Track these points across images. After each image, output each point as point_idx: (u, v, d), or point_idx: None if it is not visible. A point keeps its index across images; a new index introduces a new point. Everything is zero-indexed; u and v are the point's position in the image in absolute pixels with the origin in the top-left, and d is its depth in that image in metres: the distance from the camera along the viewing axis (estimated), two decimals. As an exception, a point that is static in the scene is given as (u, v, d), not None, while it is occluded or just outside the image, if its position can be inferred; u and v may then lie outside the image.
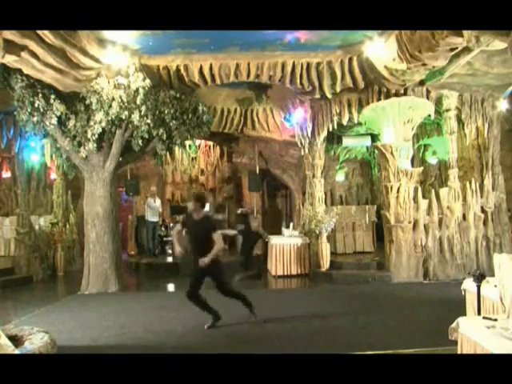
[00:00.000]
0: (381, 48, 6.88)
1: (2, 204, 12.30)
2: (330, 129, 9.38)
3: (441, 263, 8.39)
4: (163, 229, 12.30)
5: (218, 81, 8.02)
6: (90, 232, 8.00)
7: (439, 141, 10.44)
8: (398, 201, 8.25)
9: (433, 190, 8.99)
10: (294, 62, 7.74)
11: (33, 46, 5.48)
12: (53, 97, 7.21)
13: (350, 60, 7.63)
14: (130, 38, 6.78)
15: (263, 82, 8.32)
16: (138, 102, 7.33)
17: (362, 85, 8.05)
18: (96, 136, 7.49)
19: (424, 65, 6.70)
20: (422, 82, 8.04)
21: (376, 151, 10.26)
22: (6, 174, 11.57)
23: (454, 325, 3.25)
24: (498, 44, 5.33)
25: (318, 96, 8.52)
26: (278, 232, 10.62)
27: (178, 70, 7.72)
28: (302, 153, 9.88)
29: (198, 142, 13.11)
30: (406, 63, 6.70)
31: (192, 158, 14.02)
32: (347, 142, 11.20)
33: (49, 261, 10.00)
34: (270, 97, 10.23)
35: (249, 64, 7.73)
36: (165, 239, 12.05)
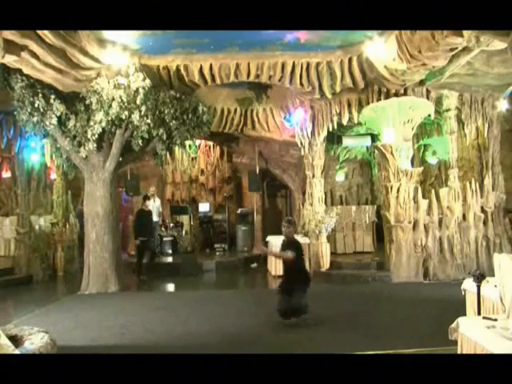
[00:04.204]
0: (381, 48, 6.87)
1: (2, 204, 12.31)
2: (330, 129, 9.38)
3: (441, 263, 8.39)
4: (163, 229, 12.30)
5: (218, 81, 8.02)
6: (89, 232, 8.00)
7: (439, 141, 10.44)
8: (398, 201, 8.25)
9: (433, 190, 8.99)
10: (293, 62, 7.74)
11: (33, 45, 5.47)
12: (53, 97, 7.21)
13: (350, 60, 7.63)
14: (130, 38, 6.77)
15: (263, 82, 8.31)
16: (138, 102, 7.32)
17: (361, 85, 8.04)
18: (96, 136, 7.48)
19: (424, 65, 6.70)
20: (421, 82, 8.03)
21: (376, 151, 10.26)
22: (6, 174, 11.57)
23: (453, 325, 3.26)
24: (498, 44, 5.32)
25: (317, 96, 8.51)
26: (278, 232, 10.61)
27: (178, 69, 7.71)
28: (302, 153, 9.87)
29: (198, 142, 13.12)
30: (406, 63, 6.69)
31: (192, 158, 14.03)
32: (347, 142, 11.20)
33: (49, 261, 9.99)
34: (270, 97, 10.22)
35: (249, 64, 7.73)
36: (165, 239, 12.05)
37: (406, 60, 6.60)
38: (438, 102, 8.81)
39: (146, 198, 9.89)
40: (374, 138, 10.31)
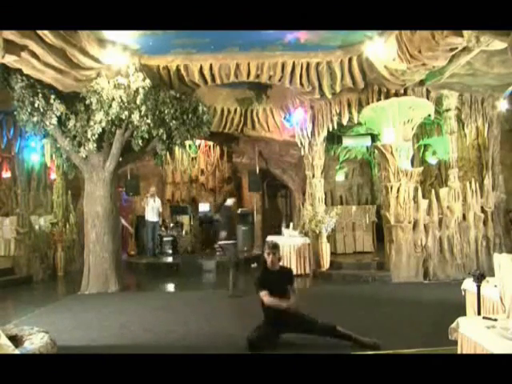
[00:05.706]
0: (381, 48, 6.87)
1: (1, 204, 12.31)
2: (330, 129, 9.38)
3: (441, 263, 8.39)
4: (163, 229, 12.31)
5: (218, 81, 8.02)
6: (89, 232, 8.00)
7: (439, 141, 10.44)
8: (397, 201, 8.25)
9: (433, 190, 8.99)
10: (294, 62, 7.73)
11: (33, 45, 5.47)
12: (53, 97, 7.20)
13: (350, 60, 7.63)
14: (130, 37, 6.77)
15: (263, 81, 8.31)
16: (138, 102, 7.32)
17: (361, 85, 8.04)
18: (96, 136, 7.48)
19: (424, 65, 6.70)
20: (421, 82, 8.03)
21: (376, 151, 10.26)
22: (6, 174, 11.56)
23: (454, 325, 3.25)
24: (498, 44, 5.33)
25: (317, 96, 8.51)
26: (278, 232, 10.62)
27: (178, 69, 7.71)
28: (302, 153, 9.87)
29: (198, 142, 13.12)
30: (406, 63, 6.69)
31: (192, 158, 14.03)
32: (347, 142, 11.21)
33: (49, 261, 9.99)
34: (270, 97, 10.23)
35: (249, 64, 7.72)
36: (165, 239, 12.06)
37: (406, 60, 6.60)
38: (438, 102, 8.81)
39: (232, 195, 9.47)
40: (374, 138, 10.31)
